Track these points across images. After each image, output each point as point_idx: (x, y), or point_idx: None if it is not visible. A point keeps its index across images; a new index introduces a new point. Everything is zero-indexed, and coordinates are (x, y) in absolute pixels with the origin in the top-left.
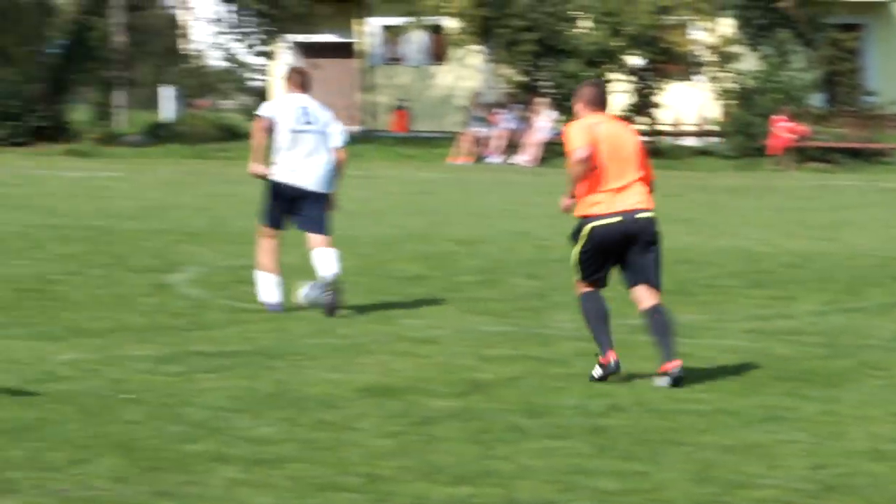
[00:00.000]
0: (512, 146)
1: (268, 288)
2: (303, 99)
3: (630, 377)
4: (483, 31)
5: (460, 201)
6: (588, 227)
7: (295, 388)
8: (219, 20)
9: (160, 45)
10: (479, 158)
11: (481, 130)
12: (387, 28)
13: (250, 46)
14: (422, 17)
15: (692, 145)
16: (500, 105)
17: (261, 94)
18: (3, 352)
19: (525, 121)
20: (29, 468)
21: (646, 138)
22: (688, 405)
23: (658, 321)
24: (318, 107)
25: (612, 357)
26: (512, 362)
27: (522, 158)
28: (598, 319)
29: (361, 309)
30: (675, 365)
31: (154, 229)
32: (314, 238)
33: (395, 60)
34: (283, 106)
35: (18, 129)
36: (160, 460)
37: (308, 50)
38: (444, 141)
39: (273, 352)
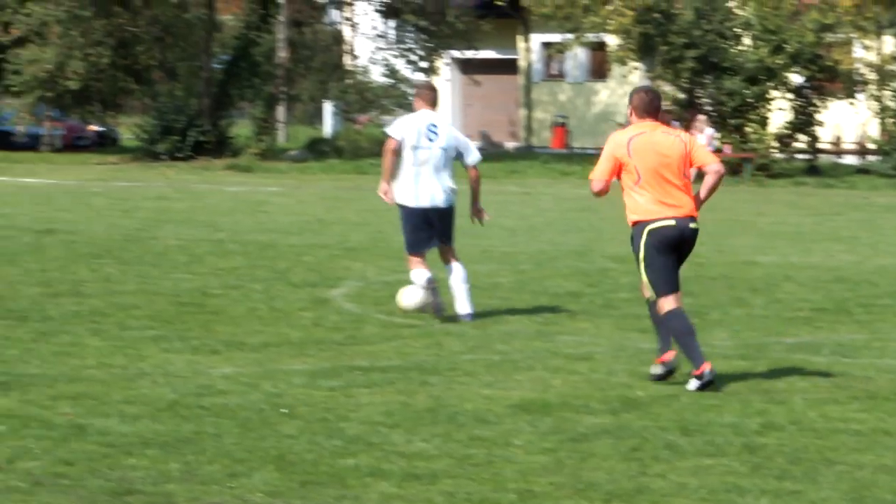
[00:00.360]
0: None
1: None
2: (430, 115)
3: (785, 395)
4: (644, 47)
5: (617, 218)
6: (645, 230)
7: (450, 403)
8: (381, 36)
9: (323, 60)
10: None
11: None
12: (547, 45)
13: (412, 62)
14: (583, 34)
15: (852, 164)
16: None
17: None
18: (163, 365)
19: None
20: (186, 481)
21: (805, 156)
22: (844, 424)
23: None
24: (444, 123)
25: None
26: (667, 380)
27: None
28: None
29: (518, 325)
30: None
31: (313, 244)
32: (444, 250)
33: (555, 77)
34: (410, 123)
35: (181, 143)
36: (316, 474)
37: (469, 66)
38: None
39: (429, 367)
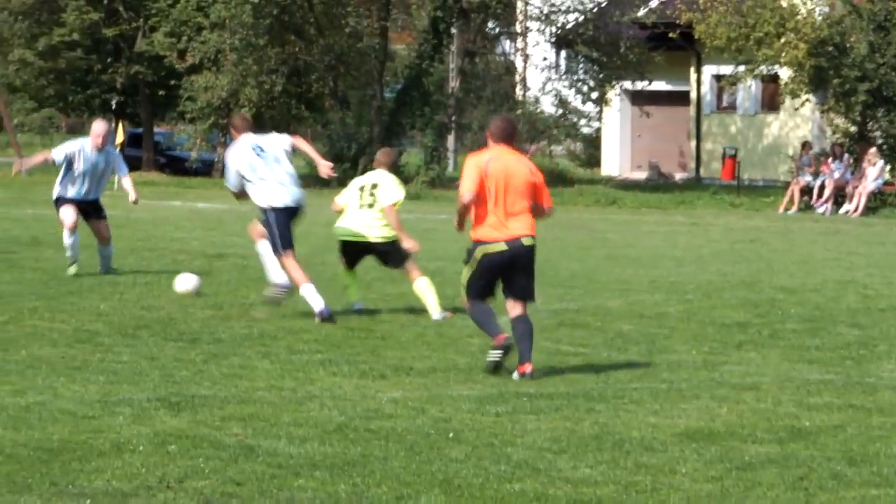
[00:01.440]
0: (841, 196)
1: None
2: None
3: None
4: (816, 80)
5: (786, 249)
6: (479, 251)
7: (616, 430)
8: (552, 67)
9: (493, 90)
10: (808, 207)
11: (810, 180)
12: (719, 77)
13: (582, 93)
14: (756, 66)
15: None
16: (830, 154)
17: (592, 141)
18: (331, 388)
19: (855, 171)
20: (354, 502)
21: None
22: None
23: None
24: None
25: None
26: (834, 411)
27: (851, 208)
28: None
29: (684, 355)
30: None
31: None
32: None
33: (726, 109)
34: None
35: (352, 171)
36: (482, 499)
37: (640, 97)
38: (772, 189)
39: (595, 395)
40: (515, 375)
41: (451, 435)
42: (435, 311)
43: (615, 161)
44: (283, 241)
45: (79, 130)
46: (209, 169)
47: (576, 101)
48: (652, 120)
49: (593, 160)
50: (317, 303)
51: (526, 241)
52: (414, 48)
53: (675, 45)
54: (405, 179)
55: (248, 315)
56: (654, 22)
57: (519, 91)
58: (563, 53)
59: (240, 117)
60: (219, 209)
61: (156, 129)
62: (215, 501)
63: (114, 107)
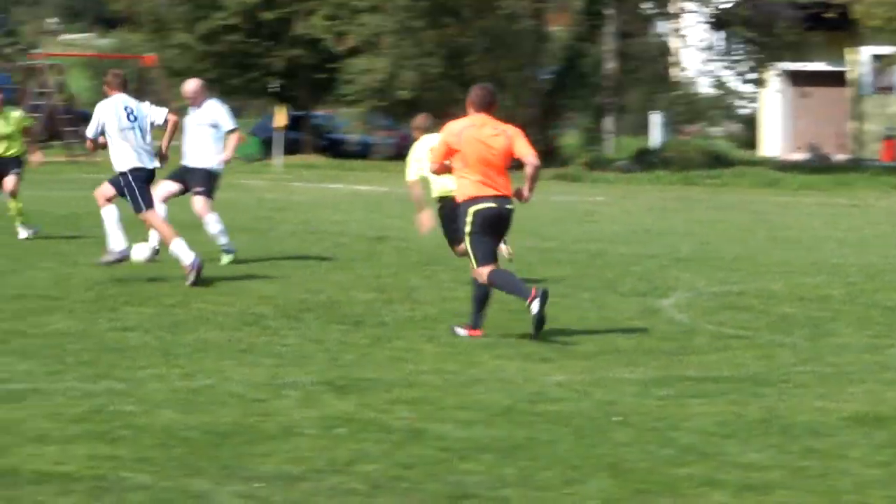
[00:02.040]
0: None
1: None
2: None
3: None
4: None
5: None
6: (470, 210)
7: (783, 415)
8: (709, 48)
9: (651, 71)
10: None
11: None
12: (878, 57)
13: (740, 74)
14: None
15: None
16: None
17: (749, 122)
18: (495, 371)
19: None
20: (522, 486)
21: None
22: None
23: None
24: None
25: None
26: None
27: None
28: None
29: (849, 338)
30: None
31: (642, 254)
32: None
33: (885, 89)
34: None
35: None
36: (650, 483)
37: (798, 78)
38: None
39: (761, 378)
40: (534, 307)
41: (617, 418)
42: None
43: (775, 142)
44: (145, 201)
45: (238, 114)
46: (367, 152)
47: (733, 82)
48: (811, 100)
49: (751, 141)
50: (187, 256)
51: (507, 205)
52: (570, 30)
53: (832, 24)
54: (563, 161)
55: (411, 298)
56: (811, 1)
57: (675, 72)
58: (719, 34)
59: (113, 74)
60: (378, 191)
61: (315, 112)
62: (384, 485)
63: (275, 90)
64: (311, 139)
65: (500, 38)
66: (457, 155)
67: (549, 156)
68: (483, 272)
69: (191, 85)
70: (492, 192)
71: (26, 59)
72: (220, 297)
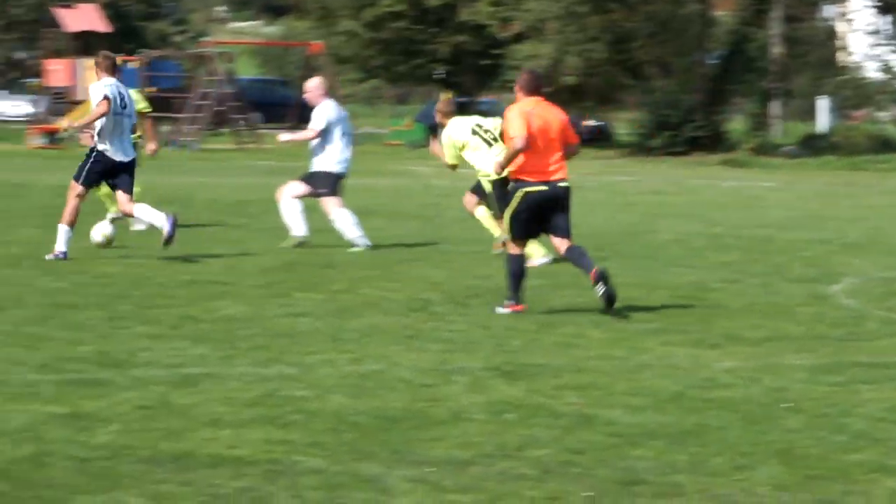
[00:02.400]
0: None
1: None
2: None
3: None
4: None
5: None
6: (521, 191)
7: None
8: (876, 32)
9: (817, 56)
10: None
11: None
12: None
13: None
14: None
15: None
16: None
17: None
18: (664, 357)
19: None
20: (693, 472)
21: None
22: None
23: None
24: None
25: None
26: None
27: None
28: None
29: None
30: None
31: (810, 239)
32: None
33: None
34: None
35: (676, 138)
36: (821, 469)
37: None
38: None
39: None
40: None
41: (787, 405)
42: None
43: None
44: (86, 178)
45: (404, 100)
46: None
47: None
48: None
49: None
50: (59, 245)
51: (562, 184)
52: (736, 14)
53: None
54: (730, 147)
55: (577, 283)
56: None
57: (842, 57)
58: (886, 18)
59: (104, 56)
60: None
61: (481, 99)
62: (554, 470)
63: (440, 77)
64: None
65: (665, 23)
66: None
67: (716, 141)
68: (513, 248)
69: (310, 84)
70: (546, 176)
71: (196, 48)
72: (388, 284)
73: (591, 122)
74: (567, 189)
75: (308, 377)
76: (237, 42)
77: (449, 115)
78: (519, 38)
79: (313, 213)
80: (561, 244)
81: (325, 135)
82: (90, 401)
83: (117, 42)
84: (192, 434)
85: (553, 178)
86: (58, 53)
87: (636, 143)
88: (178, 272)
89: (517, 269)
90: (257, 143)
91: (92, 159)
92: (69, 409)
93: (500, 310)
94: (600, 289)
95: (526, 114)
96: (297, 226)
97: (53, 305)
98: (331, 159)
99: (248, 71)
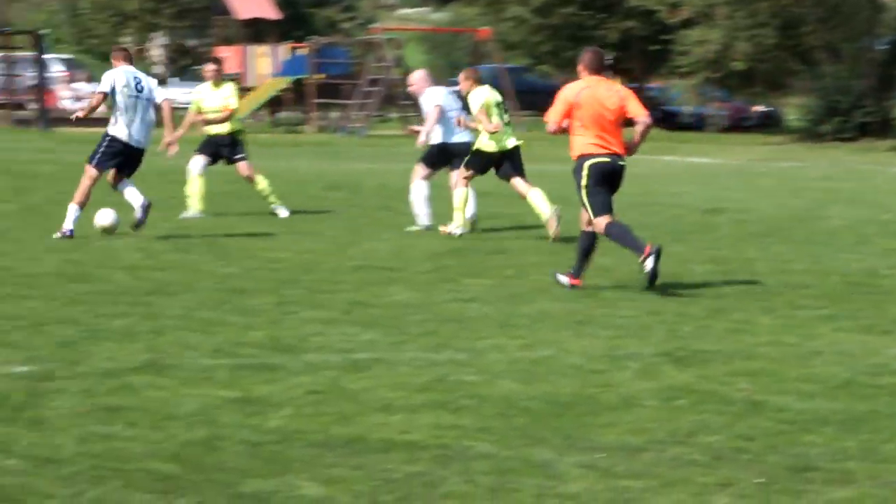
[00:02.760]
0: None
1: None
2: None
3: None
4: None
5: None
6: (587, 164)
7: None
8: None
9: None
10: None
11: None
12: None
13: None
14: None
15: None
16: None
17: None
18: (834, 344)
19: None
20: (864, 459)
21: None
22: None
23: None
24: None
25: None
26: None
27: None
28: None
29: None
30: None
31: None
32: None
33: None
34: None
35: (846, 124)
36: None
37: None
38: None
39: None
40: (648, 265)
41: None
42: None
43: None
44: (99, 161)
45: None
46: (702, 124)
47: None
48: None
49: None
50: (67, 223)
51: (620, 161)
52: None
53: None
54: None
55: (748, 269)
56: None
57: None
58: None
59: (119, 48)
60: (713, 164)
61: (649, 85)
62: (726, 456)
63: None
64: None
65: (835, 8)
66: (575, 114)
67: (886, 127)
68: (600, 223)
69: (413, 77)
70: (606, 150)
71: (364, 34)
72: (558, 269)
73: (761, 108)
74: (623, 167)
75: (478, 362)
76: (405, 28)
77: (477, 82)
78: (688, 23)
79: (486, 199)
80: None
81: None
82: (262, 385)
83: (286, 29)
84: (363, 418)
85: (613, 151)
86: (228, 41)
87: (805, 128)
88: (346, 258)
89: (588, 246)
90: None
91: (106, 143)
92: (241, 394)
93: (560, 278)
94: (649, 264)
95: (570, 99)
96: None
97: (225, 290)
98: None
99: (415, 58)
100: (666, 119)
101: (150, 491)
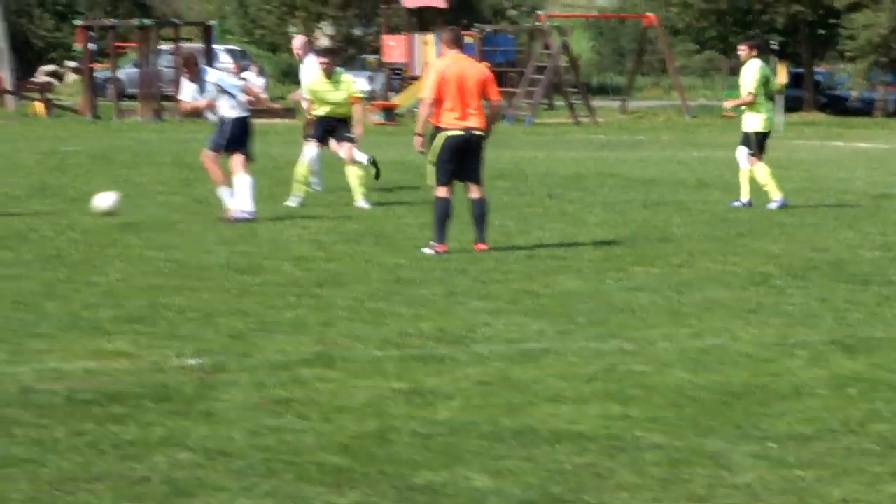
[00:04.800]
0: None
1: None
2: None
3: None
4: None
5: None
6: (441, 136)
7: None
8: None
9: None
10: None
11: None
12: None
13: None
14: None
15: None
16: None
17: None
18: None
19: None
20: None
21: None
22: None
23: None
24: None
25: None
26: None
27: None
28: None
29: None
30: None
31: None
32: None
33: None
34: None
35: None
36: None
37: None
38: None
39: None
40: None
41: None
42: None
43: None
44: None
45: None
46: (870, 108)
47: None
48: None
49: None
50: (244, 205)
51: (477, 132)
52: None
53: None
54: None
55: None
56: None
57: None
58: None
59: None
60: (881, 148)
61: (816, 69)
62: None
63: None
64: (811, 96)
65: None
66: (441, 88)
67: None
68: (438, 192)
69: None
70: (463, 125)
71: (530, 22)
72: (726, 257)
73: None
74: (481, 138)
75: (647, 352)
76: (570, 15)
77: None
78: (855, 7)
79: (650, 186)
80: (471, 190)
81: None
82: (431, 376)
83: (452, 17)
84: (532, 409)
85: (469, 126)
86: (394, 29)
87: None
88: (514, 247)
89: (443, 212)
90: (591, 118)
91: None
92: (411, 385)
93: (428, 251)
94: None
95: (441, 71)
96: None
97: (394, 281)
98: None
99: (581, 45)
100: (833, 104)
101: (322, 484)
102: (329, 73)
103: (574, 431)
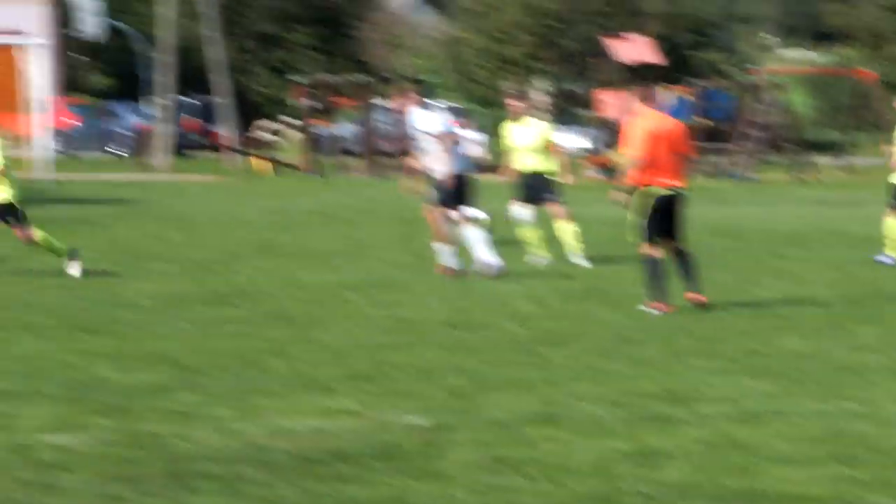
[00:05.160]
0: None
1: None
2: None
3: None
4: None
5: None
6: (648, 193)
7: None
8: None
9: None
10: None
11: None
12: None
13: None
14: None
15: None
16: None
17: None
18: None
19: None
20: None
21: None
22: None
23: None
24: None
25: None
26: None
27: None
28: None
29: None
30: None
31: None
32: None
33: None
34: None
35: None
36: None
37: None
38: None
39: None
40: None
41: None
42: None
43: None
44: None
45: None
46: None
47: None
48: None
49: None
50: (449, 261)
51: (683, 191)
52: None
53: None
54: None
55: None
56: None
57: None
58: None
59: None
60: None
61: None
62: None
63: None
64: None
65: None
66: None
67: None
68: (648, 251)
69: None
70: (670, 182)
71: (745, 76)
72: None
73: None
74: (685, 195)
75: (873, 413)
76: (785, 70)
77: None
78: None
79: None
80: (675, 245)
81: None
82: (656, 436)
83: (665, 72)
84: (758, 471)
85: (675, 184)
86: (607, 84)
87: None
88: (737, 305)
89: (657, 270)
90: (815, 175)
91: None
92: (636, 445)
93: (644, 308)
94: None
95: (647, 129)
96: None
97: (615, 339)
98: None
99: (799, 100)
100: None
101: None
102: (518, 118)
103: (803, 494)
